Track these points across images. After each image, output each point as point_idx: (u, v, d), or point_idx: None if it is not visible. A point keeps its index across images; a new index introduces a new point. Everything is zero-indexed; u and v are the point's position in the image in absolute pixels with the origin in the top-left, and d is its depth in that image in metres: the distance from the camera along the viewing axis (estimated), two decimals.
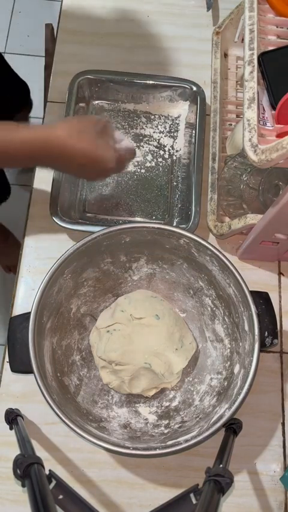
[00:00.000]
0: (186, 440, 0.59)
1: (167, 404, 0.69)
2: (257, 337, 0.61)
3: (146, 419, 0.67)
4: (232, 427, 0.62)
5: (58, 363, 0.66)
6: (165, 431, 0.65)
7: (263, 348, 0.63)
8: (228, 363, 0.67)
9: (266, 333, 0.64)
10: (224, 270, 0.65)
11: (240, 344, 0.65)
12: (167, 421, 0.66)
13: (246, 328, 0.63)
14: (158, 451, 0.59)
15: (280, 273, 0.80)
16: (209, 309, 0.72)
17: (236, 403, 0.59)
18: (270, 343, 0.64)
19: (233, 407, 0.59)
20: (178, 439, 0.60)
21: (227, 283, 0.66)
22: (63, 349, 0.68)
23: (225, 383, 0.65)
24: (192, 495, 0.56)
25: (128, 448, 0.58)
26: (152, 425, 0.66)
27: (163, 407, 0.69)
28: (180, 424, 0.65)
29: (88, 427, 0.60)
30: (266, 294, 0.67)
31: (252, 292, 0.63)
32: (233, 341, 0.67)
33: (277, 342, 0.65)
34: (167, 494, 0.58)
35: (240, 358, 0.64)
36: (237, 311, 0.66)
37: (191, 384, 0.70)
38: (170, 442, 0.60)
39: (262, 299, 0.66)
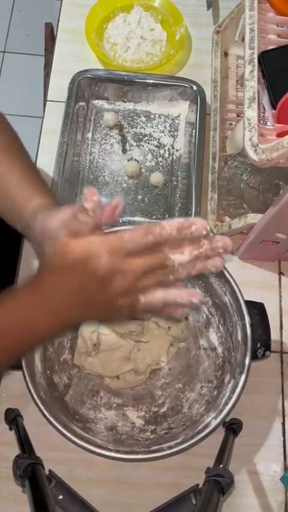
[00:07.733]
0: (170, 447, 0.59)
1: (156, 409, 0.68)
2: (248, 348, 0.61)
3: (133, 423, 0.67)
4: (232, 427, 0.62)
5: (49, 360, 0.66)
6: (151, 436, 0.64)
7: (254, 359, 0.62)
8: (220, 372, 0.67)
9: (259, 344, 0.63)
10: (220, 277, 0.65)
11: (233, 354, 0.65)
12: (153, 427, 0.66)
13: (239, 338, 0.63)
14: (140, 456, 0.59)
15: (280, 273, 0.80)
16: (205, 316, 0.71)
17: (223, 414, 0.59)
18: (262, 354, 0.64)
19: (219, 418, 0.59)
20: (162, 445, 0.60)
21: (223, 291, 0.66)
22: (55, 347, 0.68)
23: (215, 392, 0.65)
24: (192, 495, 0.56)
25: (110, 450, 0.58)
26: (138, 429, 0.66)
27: (151, 413, 0.68)
28: (166, 431, 0.65)
29: (73, 426, 0.60)
30: (262, 304, 0.66)
31: (247, 302, 0.63)
32: (226, 350, 0.67)
33: (269, 354, 0.64)
34: (167, 494, 0.58)
35: (232, 368, 0.64)
36: (231, 320, 0.65)
37: (181, 391, 0.69)
38: (153, 448, 0.60)
39: (257, 309, 0.65)
